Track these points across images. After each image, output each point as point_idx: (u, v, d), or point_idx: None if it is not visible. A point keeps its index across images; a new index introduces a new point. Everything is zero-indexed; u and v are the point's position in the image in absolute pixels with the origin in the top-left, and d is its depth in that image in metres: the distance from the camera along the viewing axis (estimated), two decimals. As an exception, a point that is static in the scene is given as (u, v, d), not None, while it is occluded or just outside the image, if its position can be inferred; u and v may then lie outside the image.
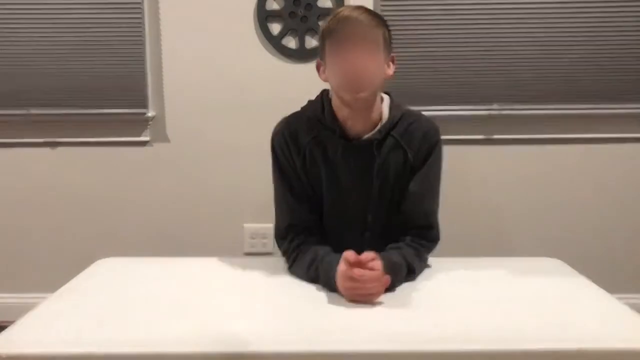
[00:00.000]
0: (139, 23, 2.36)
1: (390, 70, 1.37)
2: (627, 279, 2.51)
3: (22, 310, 1.10)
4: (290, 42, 2.40)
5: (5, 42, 2.38)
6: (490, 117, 2.42)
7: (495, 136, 2.46)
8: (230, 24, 2.40)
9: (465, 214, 2.47)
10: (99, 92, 2.40)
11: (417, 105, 2.38)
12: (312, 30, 2.38)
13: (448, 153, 2.45)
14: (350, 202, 1.41)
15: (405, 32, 2.36)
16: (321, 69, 1.38)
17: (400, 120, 1.39)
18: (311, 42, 2.40)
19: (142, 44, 2.38)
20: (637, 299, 2.37)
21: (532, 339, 0.96)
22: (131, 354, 0.93)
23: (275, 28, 2.40)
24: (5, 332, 0.99)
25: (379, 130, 1.37)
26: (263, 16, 2.38)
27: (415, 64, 2.38)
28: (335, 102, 1.38)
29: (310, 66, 2.43)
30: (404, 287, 1.23)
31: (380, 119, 1.38)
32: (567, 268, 1.39)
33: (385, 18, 2.33)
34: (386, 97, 1.43)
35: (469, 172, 2.48)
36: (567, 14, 2.34)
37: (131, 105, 2.41)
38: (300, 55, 2.41)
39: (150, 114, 2.44)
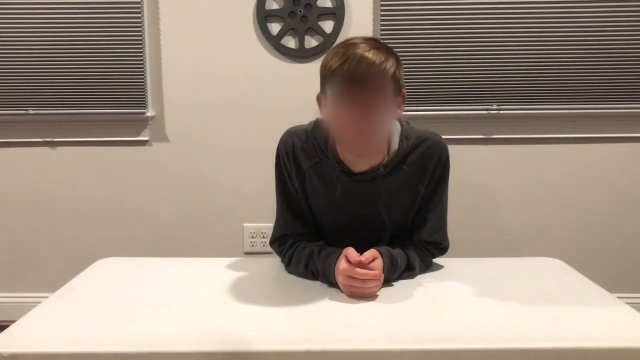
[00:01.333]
0: (139, 23, 2.36)
1: (400, 110, 1.23)
2: (627, 278, 2.51)
3: (22, 310, 1.10)
4: (290, 42, 2.40)
5: (4, 42, 2.37)
6: (489, 116, 2.42)
7: (495, 136, 2.46)
8: (230, 23, 2.40)
9: (464, 214, 2.47)
10: (99, 92, 2.40)
11: (417, 105, 2.40)
12: (312, 30, 2.38)
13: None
14: (355, 233, 1.35)
15: (405, 32, 2.36)
16: (322, 105, 1.24)
17: (412, 150, 1.28)
18: (311, 41, 2.40)
19: (142, 44, 2.38)
20: (637, 298, 2.37)
21: (532, 338, 0.96)
22: (131, 353, 0.93)
23: (275, 28, 2.40)
24: (6, 332, 0.99)
25: (384, 166, 1.26)
26: (262, 16, 2.38)
27: (415, 64, 2.38)
28: (339, 142, 1.27)
29: (310, 66, 2.45)
30: (405, 287, 1.23)
31: (388, 151, 1.27)
32: (567, 268, 1.39)
33: (385, 18, 2.36)
34: (397, 125, 1.30)
35: (469, 171, 2.48)
36: (566, 14, 2.34)
37: (131, 105, 2.41)
38: (299, 55, 2.41)
39: (149, 113, 2.44)
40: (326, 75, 1.17)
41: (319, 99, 1.25)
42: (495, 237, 2.51)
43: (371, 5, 2.38)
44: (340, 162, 1.28)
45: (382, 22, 2.35)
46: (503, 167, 2.48)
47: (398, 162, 1.28)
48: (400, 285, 1.24)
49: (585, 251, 2.49)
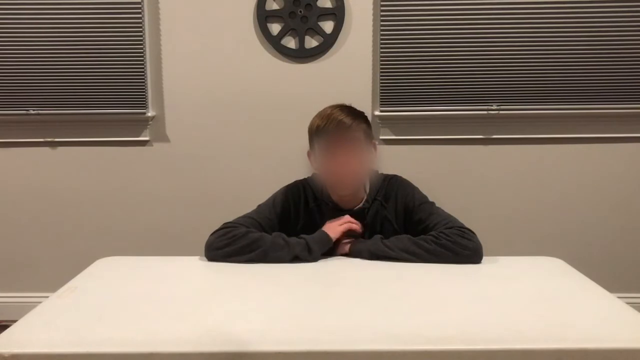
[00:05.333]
0: (139, 23, 2.37)
1: (374, 154, 1.56)
2: (627, 278, 2.51)
3: (23, 310, 1.10)
4: (290, 42, 2.40)
5: (5, 42, 2.38)
6: (489, 116, 2.42)
7: (495, 136, 2.46)
8: (230, 24, 2.40)
9: (464, 214, 2.46)
10: (99, 92, 2.41)
11: (417, 105, 2.41)
12: (312, 30, 2.39)
13: (448, 153, 2.47)
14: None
15: (405, 32, 2.36)
16: (312, 158, 1.54)
17: (381, 185, 1.58)
18: (311, 42, 2.40)
19: (142, 44, 2.38)
20: (637, 298, 2.37)
21: (532, 338, 0.96)
22: (131, 353, 0.93)
23: (275, 28, 2.40)
24: (7, 332, 0.99)
25: (367, 200, 1.56)
26: (263, 16, 2.38)
27: (415, 64, 2.38)
28: (328, 186, 1.56)
29: (310, 66, 2.45)
30: (405, 288, 1.23)
31: (365, 191, 1.57)
32: (568, 267, 1.39)
33: (385, 18, 2.36)
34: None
35: (469, 171, 2.49)
36: (566, 14, 2.34)
37: (131, 105, 2.42)
38: (299, 55, 2.41)
39: (150, 114, 2.44)
40: (312, 132, 1.50)
41: (309, 155, 1.55)
42: (495, 237, 2.51)
43: (371, 5, 2.38)
44: (332, 201, 1.56)
45: (382, 22, 2.36)
46: (503, 167, 2.48)
47: (375, 194, 1.56)
48: (401, 285, 1.24)
49: (585, 251, 2.49)
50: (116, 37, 2.37)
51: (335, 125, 1.44)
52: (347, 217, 1.51)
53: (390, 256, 1.39)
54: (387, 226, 1.57)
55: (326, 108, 1.51)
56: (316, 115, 1.51)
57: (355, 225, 1.51)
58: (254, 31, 2.41)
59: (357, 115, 1.50)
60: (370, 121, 1.55)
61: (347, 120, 1.45)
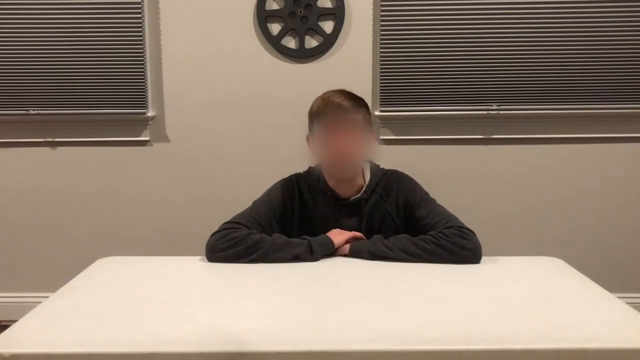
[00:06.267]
0: (139, 23, 2.37)
1: (373, 142, 1.58)
2: (627, 278, 2.51)
3: (22, 310, 1.10)
4: (290, 42, 2.40)
5: (5, 42, 2.38)
6: (489, 116, 2.42)
7: (494, 136, 2.46)
8: (230, 23, 2.40)
9: (464, 214, 2.46)
10: (100, 92, 2.41)
11: (417, 105, 2.41)
12: (312, 30, 2.39)
13: (447, 153, 2.47)
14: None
15: (405, 32, 2.36)
16: (310, 142, 1.54)
17: (381, 178, 1.58)
18: (311, 42, 2.40)
19: (142, 44, 2.38)
20: (637, 298, 2.37)
21: (532, 339, 0.96)
22: (131, 353, 0.93)
23: (275, 28, 2.40)
24: (7, 332, 0.99)
25: (365, 191, 1.56)
26: (263, 16, 2.38)
27: (415, 64, 2.38)
28: (325, 172, 1.56)
29: (310, 66, 2.45)
30: (405, 288, 1.23)
31: (364, 182, 1.57)
32: (568, 267, 1.39)
33: (385, 18, 2.36)
34: (367, 164, 1.61)
35: (468, 171, 2.49)
36: (566, 14, 2.34)
37: (131, 105, 2.42)
38: (299, 55, 2.41)
39: (150, 114, 2.44)
40: (313, 115, 1.51)
41: (307, 139, 1.55)
42: (495, 237, 2.51)
43: (371, 5, 2.38)
44: (330, 189, 1.55)
45: (382, 22, 2.36)
46: (503, 167, 2.48)
47: (374, 187, 1.56)
48: (401, 285, 1.24)
49: (585, 251, 2.49)
50: (116, 37, 2.37)
51: (335, 108, 1.46)
52: (353, 233, 1.49)
53: (389, 256, 1.39)
54: (389, 221, 1.56)
55: (327, 92, 1.52)
56: (316, 99, 1.52)
57: (360, 235, 1.50)
58: (254, 31, 2.41)
59: (356, 99, 1.51)
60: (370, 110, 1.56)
61: (346, 103, 1.47)
